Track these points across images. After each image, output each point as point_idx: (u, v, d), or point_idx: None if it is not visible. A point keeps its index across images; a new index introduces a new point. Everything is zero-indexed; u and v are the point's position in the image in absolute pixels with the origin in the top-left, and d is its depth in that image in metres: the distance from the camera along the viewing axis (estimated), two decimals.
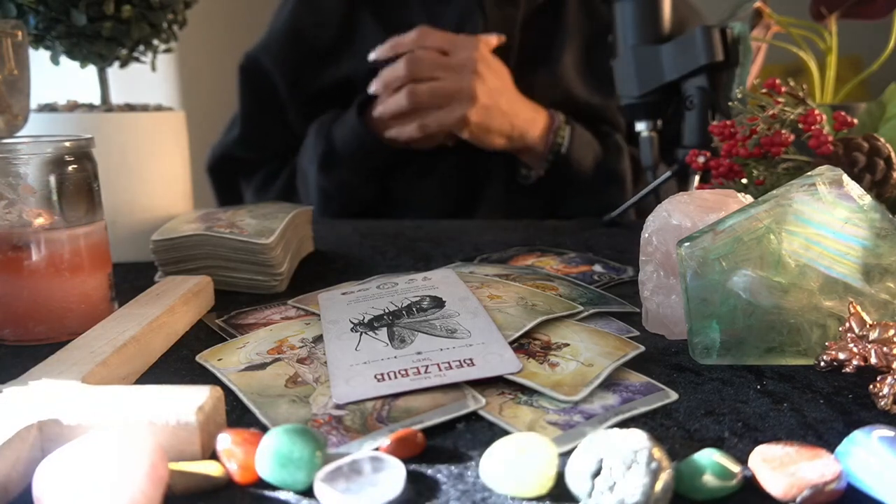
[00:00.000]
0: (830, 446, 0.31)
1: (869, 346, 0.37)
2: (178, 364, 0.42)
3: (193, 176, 0.71)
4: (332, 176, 0.94)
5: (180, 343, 0.46)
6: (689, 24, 0.89)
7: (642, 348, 0.40)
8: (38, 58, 0.60)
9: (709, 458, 0.28)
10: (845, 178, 0.40)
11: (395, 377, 0.36)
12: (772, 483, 0.28)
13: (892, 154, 0.58)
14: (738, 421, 0.34)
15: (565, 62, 0.95)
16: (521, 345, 0.40)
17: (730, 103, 0.63)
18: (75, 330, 0.44)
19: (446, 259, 0.66)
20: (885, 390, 0.35)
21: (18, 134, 0.51)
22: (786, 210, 0.40)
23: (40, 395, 0.32)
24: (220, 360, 0.41)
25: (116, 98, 0.68)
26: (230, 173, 1.07)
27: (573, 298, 0.48)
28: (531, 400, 0.35)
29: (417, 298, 0.46)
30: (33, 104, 0.57)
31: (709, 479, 0.28)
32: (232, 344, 0.43)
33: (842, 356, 0.38)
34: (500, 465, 0.28)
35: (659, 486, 0.26)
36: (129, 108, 0.66)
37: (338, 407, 0.35)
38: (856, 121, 0.62)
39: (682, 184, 0.78)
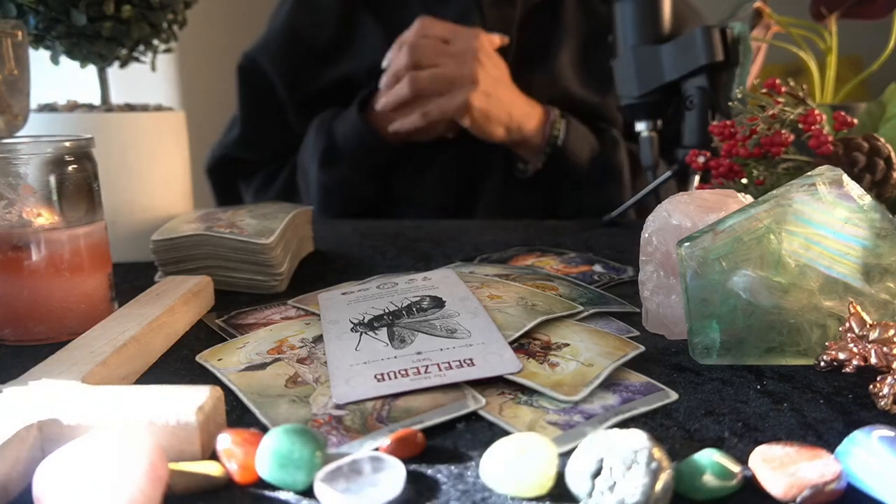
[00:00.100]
0: (830, 446, 0.31)
1: (869, 346, 0.37)
2: (178, 364, 0.42)
3: (193, 176, 0.71)
4: (333, 172, 0.94)
5: (180, 343, 0.46)
6: (688, 24, 0.89)
7: (642, 348, 0.40)
8: (38, 58, 0.60)
9: (709, 458, 0.28)
10: (845, 178, 0.40)
11: (395, 377, 0.36)
12: (772, 483, 0.28)
13: (892, 154, 0.58)
14: (738, 421, 0.34)
15: (562, 61, 0.96)
16: (521, 345, 0.40)
17: (730, 103, 0.63)
18: (75, 330, 0.44)
19: (446, 259, 0.66)
20: (885, 390, 0.35)
21: (18, 134, 0.51)
22: (786, 210, 0.40)
23: (40, 395, 0.32)
24: (220, 360, 0.41)
25: (116, 98, 0.68)
26: (229, 175, 1.07)
27: (573, 298, 0.48)
28: (531, 400, 0.35)
29: (417, 298, 0.46)
30: (33, 104, 0.57)
31: (709, 479, 0.28)
32: (232, 344, 0.43)
33: (842, 356, 0.38)
34: (500, 465, 0.28)
35: (659, 486, 0.26)
36: (129, 108, 0.66)
37: (338, 407, 0.35)
38: (856, 121, 0.62)
39: (682, 184, 0.78)
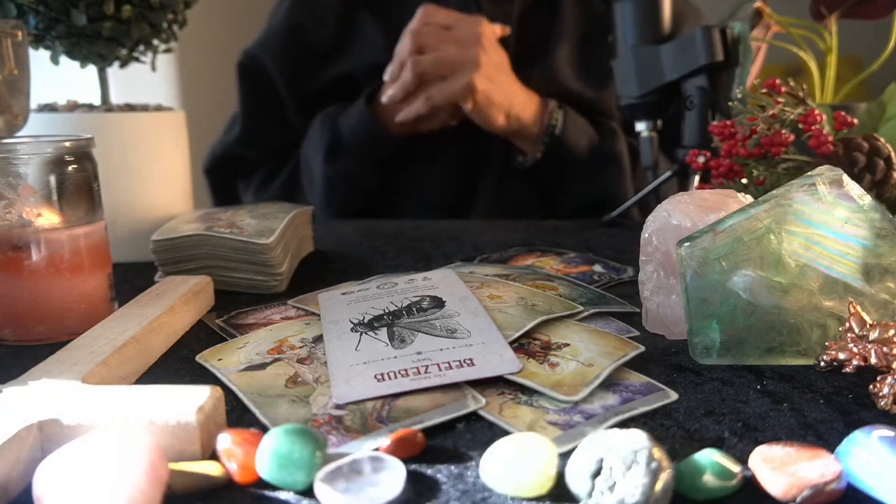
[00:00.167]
0: (830, 446, 0.31)
1: (869, 346, 0.37)
2: (178, 364, 0.42)
3: (193, 176, 0.71)
4: (338, 166, 0.94)
5: (180, 343, 0.46)
6: (687, 21, 0.89)
7: (642, 348, 0.40)
8: (38, 58, 0.60)
9: (709, 458, 0.28)
10: (845, 178, 0.40)
11: (395, 377, 0.36)
12: (772, 483, 0.28)
13: (892, 154, 0.58)
14: (738, 421, 0.34)
15: (559, 57, 0.96)
16: (521, 345, 0.40)
17: (730, 103, 0.63)
18: (75, 330, 0.44)
19: (446, 259, 0.66)
20: (885, 390, 0.35)
21: (18, 134, 0.51)
22: (786, 210, 0.40)
23: (40, 395, 0.32)
24: (220, 360, 0.41)
25: (116, 98, 0.68)
26: (228, 175, 1.07)
27: (573, 298, 0.48)
28: (531, 400, 0.35)
29: (417, 298, 0.46)
30: (33, 104, 0.57)
31: (709, 479, 0.28)
32: (232, 344, 0.43)
33: (842, 356, 0.38)
34: (500, 465, 0.28)
35: (659, 486, 0.26)
36: (129, 108, 0.66)
37: (338, 407, 0.35)
38: (856, 121, 0.62)
39: (682, 184, 0.78)
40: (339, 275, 0.61)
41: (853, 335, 0.38)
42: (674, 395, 0.36)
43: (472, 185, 0.98)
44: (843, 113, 0.61)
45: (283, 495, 0.29)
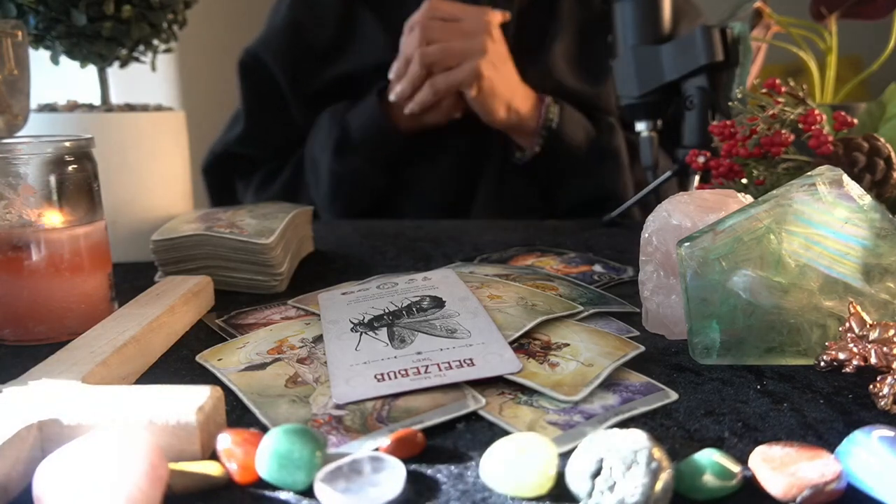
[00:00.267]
0: (830, 446, 0.31)
1: (869, 346, 0.37)
2: (178, 364, 0.42)
3: (193, 176, 0.71)
4: (346, 162, 0.94)
5: (180, 343, 0.46)
6: (684, 18, 0.89)
7: (642, 348, 0.40)
8: (38, 58, 0.60)
9: (709, 458, 0.28)
10: (845, 178, 0.40)
11: (395, 377, 0.36)
12: (772, 483, 0.28)
13: (892, 154, 0.58)
14: (738, 421, 0.34)
15: (556, 54, 0.96)
16: (521, 345, 0.40)
17: (730, 103, 0.63)
18: (75, 330, 0.44)
19: (446, 259, 0.66)
20: (885, 390, 0.35)
21: (18, 134, 0.51)
22: (786, 210, 0.40)
23: (40, 395, 0.32)
24: (220, 360, 0.41)
25: (116, 98, 0.68)
26: (227, 174, 1.07)
27: (573, 298, 0.48)
28: (531, 400, 0.35)
29: (417, 298, 0.46)
30: (33, 104, 0.57)
31: (709, 479, 0.28)
32: (232, 344, 0.43)
33: (842, 356, 0.38)
34: (500, 465, 0.28)
35: (659, 486, 0.26)
36: (129, 108, 0.66)
37: (338, 407, 0.35)
38: (856, 121, 0.62)
39: (683, 184, 0.78)
40: (339, 275, 0.61)
41: (853, 335, 0.38)
42: (674, 395, 0.36)
43: (472, 185, 0.98)
44: (843, 113, 0.61)
45: (283, 495, 0.29)
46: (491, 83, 0.86)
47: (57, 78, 0.72)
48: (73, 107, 0.65)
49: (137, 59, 0.68)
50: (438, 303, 0.45)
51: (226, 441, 0.30)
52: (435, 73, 0.86)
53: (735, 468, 0.28)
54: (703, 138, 0.74)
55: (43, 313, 0.45)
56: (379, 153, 0.94)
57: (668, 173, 0.78)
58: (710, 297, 0.40)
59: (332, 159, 0.94)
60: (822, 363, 0.39)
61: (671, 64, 0.76)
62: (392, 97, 0.89)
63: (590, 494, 0.27)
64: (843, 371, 0.38)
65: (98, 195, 0.49)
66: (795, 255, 0.39)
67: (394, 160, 0.96)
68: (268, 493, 0.29)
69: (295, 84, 1.00)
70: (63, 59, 0.64)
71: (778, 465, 0.28)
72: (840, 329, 0.38)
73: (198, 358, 0.42)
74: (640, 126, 0.81)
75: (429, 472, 0.30)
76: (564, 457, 0.29)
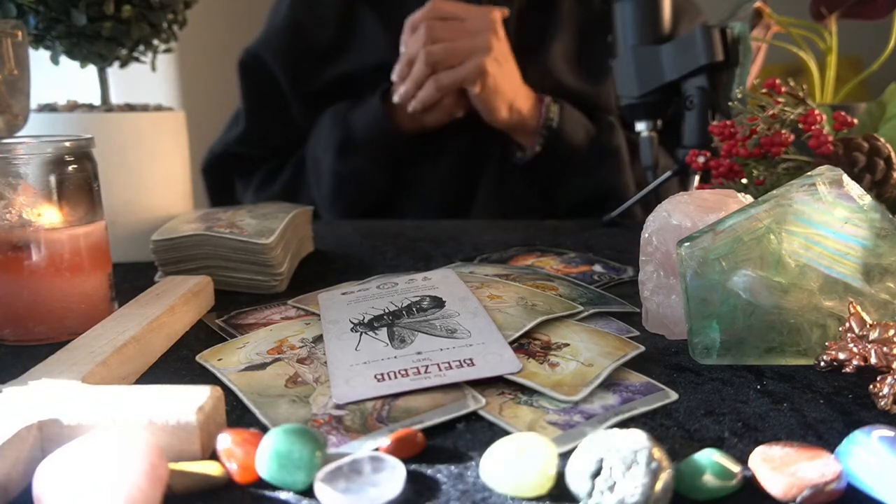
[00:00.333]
0: (830, 446, 0.31)
1: (869, 346, 0.37)
2: (178, 364, 0.42)
3: (193, 176, 0.71)
4: (349, 163, 0.94)
5: (180, 343, 0.46)
6: (683, 16, 0.89)
7: (642, 348, 0.40)
8: (38, 58, 0.60)
9: (709, 458, 0.28)
10: (845, 178, 0.40)
11: (395, 377, 0.36)
12: (772, 483, 0.28)
13: (892, 154, 0.58)
14: (738, 421, 0.34)
15: (555, 53, 0.96)
16: (521, 345, 0.40)
17: (730, 103, 0.63)
18: (75, 330, 0.44)
19: (446, 259, 0.66)
20: (885, 390, 0.35)
21: (18, 134, 0.51)
22: (786, 210, 0.40)
23: (40, 395, 0.32)
24: (220, 360, 0.41)
25: (116, 98, 0.68)
26: (227, 174, 1.07)
27: (573, 298, 0.48)
28: (531, 400, 0.35)
29: (417, 298, 0.46)
30: (33, 104, 0.57)
31: (709, 479, 0.28)
32: (232, 344, 0.43)
33: (842, 356, 0.38)
34: (500, 465, 0.28)
35: (659, 486, 0.26)
36: (129, 108, 0.66)
37: (338, 407, 0.35)
38: (856, 121, 0.62)
39: (683, 184, 0.78)
40: (339, 275, 0.61)
41: (853, 335, 0.38)
42: (674, 395, 0.36)
43: (473, 185, 0.99)
44: (843, 113, 0.61)
45: (283, 495, 0.29)
46: (495, 80, 0.86)
47: (57, 78, 0.72)
48: (73, 107, 0.65)
49: (137, 59, 0.68)
50: (438, 303, 0.45)
51: (226, 441, 0.30)
52: (439, 72, 0.86)
53: (735, 468, 0.28)
54: (703, 138, 0.74)
55: (43, 313, 0.45)
56: (381, 154, 0.94)
57: (668, 173, 0.78)
58: (710, 297, 0.40)
59: (334, 159, 0.94)
60: (822, 363, 0.39)
61: (671, 64, 0.76)
62: (396, 98, 0.89)
63: (590, 494, 0.27)
64: (843, 371, 0.38)
65: (98, 195, 0.49)
66: (795, 255, 0.39)
67: (396, 161, 0.96)
68: (268, 493, 0.29)
69: (295, 84, 1.00)
70: (63, 59, 0.64)
71: (778, 465, 0.28)
72: (840, 329, 0.38)
73: (198, 358, 0.42)
74: (640, 126, 0.81)
75: (429, 472, 0.30)
76: (564, 457, 0.29)
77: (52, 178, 0.45)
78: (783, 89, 0.61)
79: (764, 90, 0.61)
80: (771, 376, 0.39)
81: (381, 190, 0.98)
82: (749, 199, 0.45)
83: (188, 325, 0.48)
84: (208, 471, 0.29)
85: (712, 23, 0.78)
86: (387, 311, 0.44)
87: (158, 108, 0.68)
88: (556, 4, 0.97)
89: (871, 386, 0.36)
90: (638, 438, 0.27)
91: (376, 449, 0.31)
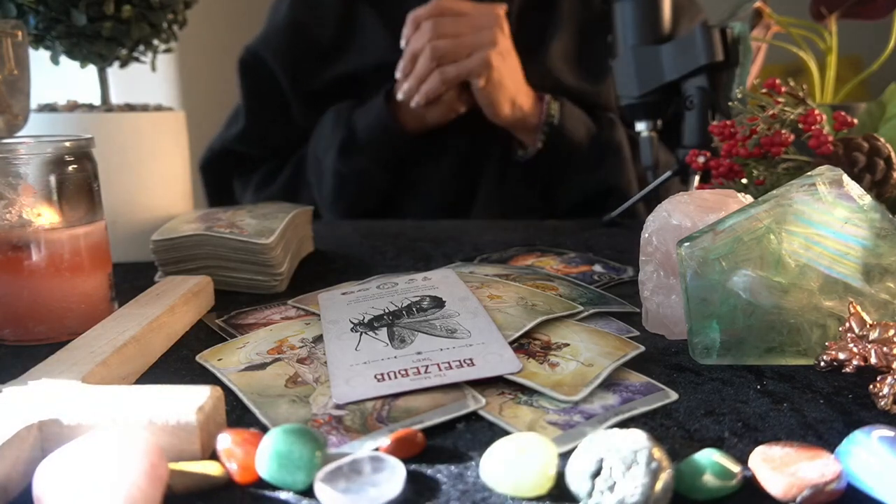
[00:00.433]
0: (830, 446, 0.31)
1: (869, 346, 0.37)
2: (178, 364, 0.42)
3: (193, 176, 0.71)
4: (351, 163, 0.94)
5: (180, 343, 0.46)
6: (683, 15, 0.89)
7: (642, 348, 0.40)
8: (38, 58, 0.60)
9: (709, 458, 0.28)
10: (845, 178, 0.40)
11: (395, 377, 0.36)
12: (772, 483, 0.28)
13: (892, 154, 0.58)
14: (738, 421, 0.34)
15: (554, 52, 0.96)
16: (521, 345, 0.40)
17: (730, 103, 0.63)
18: (75, 330, 0.44)
19: (446, 259, 0.66)
20: (885, 390, 0.35)
21: (18, 134, 0.51)
22: (786, 210, 0.40)
23: (40, 395, 0.32)
24: (220, 360, 0.41)
25: (116, 98, 0.68)
26: (225, 172, 1.07)
27: (573, 298, 0.48)
28: (531, 400, 0.35)
29: (417, 298, 0.46)
30: (33, 104, 0.57)
31: (709, 479, 0.28)
32: (232, 344, 0.43)
33: (842, 356, 0.38)
34: (500, 465, 0.28)
35: (659, 486, 0.26)
36: (129, 108, 0.66)
37: (338, 407, 0.35)
38: (856, 121, 0.62)
39: (683, 184, 0.78)
40: (339, 275, 0.61)
41: (853, 335, 0.38)
42: (674, 395, 0.36)
43: (473, 185, 0.99)
44: (843, 113, 0.61)
45: (283, 495, 0.29)
46: (500, 74, 0.86)
47: (57, 78, 0.72)
48: (73, 107, 0.65)
49: (137, 59, 0.68)
50: (438, 303, 0.45)
51: (226, 441, 0.30)
52: (444, 66, 0.86)
53: (735, 468, 0.28)
54: (703, 138, 0.74)
55: (43, 313, 0.45)
56: (384, 154, 0.94)
57: (668, 173, 0.78)
58: (710, 297, 0.40)
59: (336, 159, 0.94)
60: (822, 363, 0.39)
61: (671, 64, 0.76)
62: (400, 96, 0.88)
63: (590, 494, 0.27)
64: (843, 371, 0.38)
65: (98, 195, 0.49)
66: (795, 255, 0.39)
67: (398, 161, 0.96)
68: (268, 493, 0.29)
69: (295, 83, 1.00)
70: (63, 59, 0.64)
71: (778, 465, 0.28)
72: (840, 329, 0.38)
73: (198, 358, 0.42)
74: (640, 126, 0.81)
75: (429, 472, 0.30)
76: (564, 457, 0.29)
77: (52, 178, 0.45)
78: (783, 89, 0.61)
79: (764, 90, 0.61)
80: (771, 376, 0.39)
81: (383, 190, 0.98)
82: (749, 199, 0.45)
83: (188, 325, 0.48)
84: (208, 471, 0.29)
85: (712, 23, 0.78)
86: (387, 311, 0.44)
87: (158, 108, 0.68)
88: (556, 4, 0.97)
89: (871, 386, 0.36)
90: (638, 438, 0.27)
91: (376, 449, 0.31)
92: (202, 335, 0.47)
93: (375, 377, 0.37)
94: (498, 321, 0.42)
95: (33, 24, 0.61)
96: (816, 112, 0.59)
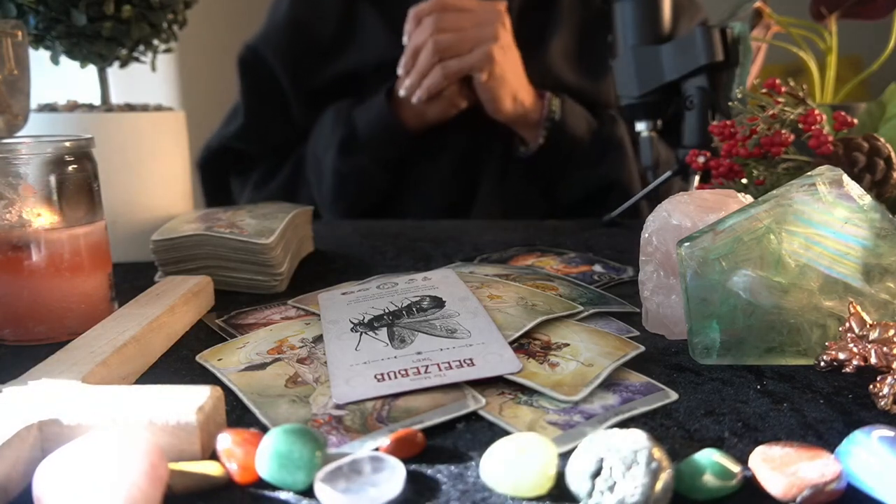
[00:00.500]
0: (830, 446, 0.31)
1: (869, 346, 0.37)
2: (178, 364, 0.42)
3: (193, 176, 0.71)
4: (351, 161, 0.94)
5: (180, 343, 0.46)
6: (683, 14, 0.89)
7: (642, 348, 0.40)
8: (38, 58, 0.60)
9: (709, 458, 0.28)
10: (845, 178, 0.40)
11: (395, 377, 0.36)
12: (772, 483, 0.28)
13: (892, 154, 0.58)
14: (738, 421, 0.34)
15: (554, 50, 0.96)
16: (521, 345, 0.40)
17: (730, 103, 0.63)
18: (75, 330, 0.44)
19: (446, 259, 0.66)
20: (885, 390, 0.35)
21: (18, 134, 0.51)
22: (786, 210, 0.40)
23: (40, 395, 0.32)
24: (220, 360, 0.41)
25: (116, 98, 0.68)
26: (223, 170, 1.07)
27: (573, 298, 0.48)
28: (531, 400, 0.35)
29: (417, 298, 0.46)
30: (33, 104, 0.57)
31: (709, 479, 0.28)
32: (232, 344, 0.43)
33: (842, 356, 0.38)
34: (500, 465, 0.28)
35: (659, 486, 0.26)
36: (129, 108, 0.66)
37: (338, 407, 0.35)
38: (856, 121, 0.62)
39: (683, 184, 0.78)
40: (339, 275, 0.61)
41: (853, 335, 0.38)
42: (674, 395, 0.36)
43: (474, 183, 0.98)
44: (843, 113, 0.61)
45: (283, 495, 0.29)
46: (502, 69, 0.86)
47: (57, 78, 0.72)
48: (73, 107, 0.65)
49: (137, 59, 0.68)
50: (438, 303, 0.45)
51: (226, 441, 0.30)
52: (446, 60, 0.86)
53: (735, 468, 0.28)
54: (703, 138, 0.74)
55: (43, 313, 0.45)
56: (385, 151, 0.94)
57: (668, 173, 0.78)
58: (710, 297, 0.40)
59: (336, 158, 0.94)
60: (822, 363, 0.39)
61: (671, 64, 0.76)
62: (402, 92, 0.88)
63: (590, 494, 0.27)
64: (843, 371, 0.38)
65: (98, 195, 0.49)
66: (795, 255, 0.39)
67: (398, 159, 0.96)
68: (268, 493, 0.29)
69: (295, 81, 1.00)
70: (63, 59, 0.64)
71: (778, 465, 0.28)
72: (840, 329, 0.38)
73: (198, 358, 0.42)
74: (640, 126, 0.81)
75: (429, 472, 0.30)
76: (564, 457, 0.29)
77: (52, 178, 0.45)
78: (783, 89, 0.61)
79: (764, 90, 0.62)
80: (771, 376, 0.39)
81: (383, 189, 0.98)
82: (749, 199, 0.45)
83: (188, 325, 0.48)
84: (208, 471, 0.29)
85: (712, 23, 0.78)
86: (387, 311, 0.44)
87: (158, 108, 0.68)
88: (556, 2, 0.97)
89: (871, 386, 0.36)
90: (638, 438, 0.27)
91: (376, 449, 0.31)
92: (202, 335, 0.47)
93: (375, 377, 0.37)
94: (498, 321, 0.42)
95: (33, 24, 0.61)
96: (816, 112, 0.59)
